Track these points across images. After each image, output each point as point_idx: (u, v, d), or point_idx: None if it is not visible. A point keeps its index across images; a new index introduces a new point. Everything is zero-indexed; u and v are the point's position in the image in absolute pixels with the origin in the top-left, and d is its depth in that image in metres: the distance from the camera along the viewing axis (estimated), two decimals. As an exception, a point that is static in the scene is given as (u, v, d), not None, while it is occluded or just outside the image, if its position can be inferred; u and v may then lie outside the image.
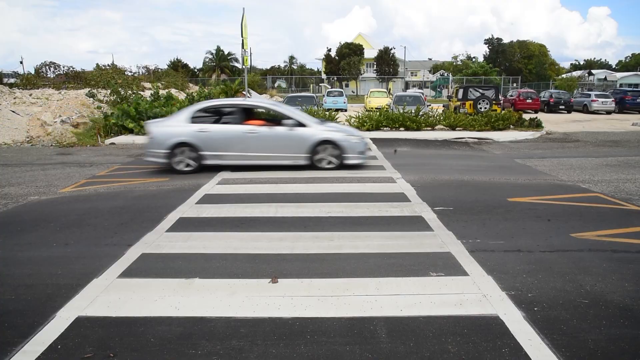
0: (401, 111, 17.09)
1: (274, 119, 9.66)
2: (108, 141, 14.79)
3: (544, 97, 30.93)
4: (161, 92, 20.62)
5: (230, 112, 9.55)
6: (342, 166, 9.34)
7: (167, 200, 7.03)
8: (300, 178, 8.66)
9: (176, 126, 9.18)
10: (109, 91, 20.30)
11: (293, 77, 67.66)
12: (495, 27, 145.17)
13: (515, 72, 66.02)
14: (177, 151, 9.04)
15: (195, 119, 9.23)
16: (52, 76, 38.43)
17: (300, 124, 9.30)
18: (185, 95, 25.73)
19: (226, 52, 68.69)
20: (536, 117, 18.69)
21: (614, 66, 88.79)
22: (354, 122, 17.07)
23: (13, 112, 16.32)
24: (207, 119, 9.44)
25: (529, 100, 29.01)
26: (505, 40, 75.18)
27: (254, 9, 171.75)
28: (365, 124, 16.94)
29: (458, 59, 72.85)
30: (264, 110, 10.38)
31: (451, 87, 48.64)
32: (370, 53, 64.73)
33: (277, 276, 4.25)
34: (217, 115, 9.67)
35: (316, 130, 9.33)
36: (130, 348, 3.13)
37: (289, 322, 3.47)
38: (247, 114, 9.62)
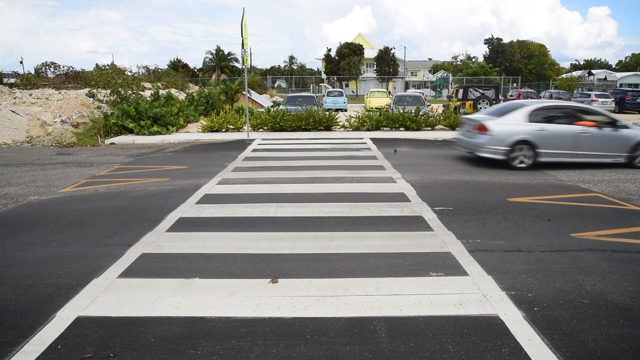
0: (401, 111, 17.10)
1: (598, 120, 10.12)
2: (108, 141, 14.80)
3: (544, 97, 30.97)
4: (161, 92, 20.63)
5: (562, 113, 10.18)
6: None
7: (167, 200, 7.04)
8: (300, 178, 8.67)
9: (516, 125, 9.74)
10: (109, 91, 20.31)
11: (293, 77, 67.65)
12: (495, 27, 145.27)
13: (515, 72, 66.07)
14: (516, 148, 9.63)
15: (532, 118, 9.78)
16: (52, 76, 38.51)
17: (624, 126, 10.07)
18: (185, 95, 25.77)
19: (226, 52, 68.71)
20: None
21: (614, 66, 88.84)
22: (354, 122, 17.08)
23: (13, 112, 16.32)
24: (542, 118, 9.89)
25: (529, 100, 29.00)
26: (505, 40, 75.28)
27: (254, 9, 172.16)
28: (365, 124, 16.94)
29: (458, 59, 72.92)
30: (590, 113, 10.68)
31: (451, 87, 48.66)
32: (370, 53, 64.73)
33: (277, 276, 4.25)
34: (550, 115, 10.10)
35: (637, 132, 10.10)
36: (130, 348, 3.14)
37: (289, 322, 3.47)
38: (575, 116, 10.13)
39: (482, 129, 9.87)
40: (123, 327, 3.40)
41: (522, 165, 9.67)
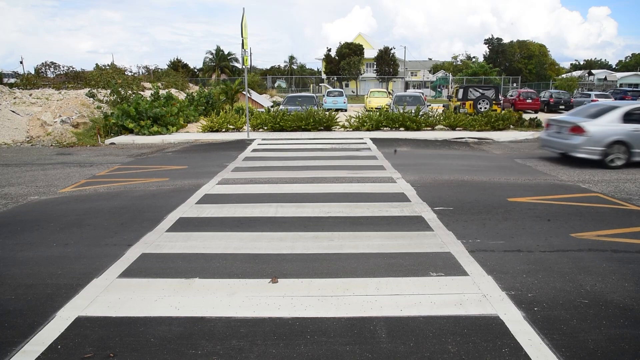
0: (401, 111, 17.10)
1: None
2: (108, 141, 14.80)
3: (544, 97, 30.94)
4: (161, 92, 20.63)
5: None
6: None
7: (167, 200, 7.04)
8: (300, 178, 8.67)
9: (611, 126, 10.07)
10: (109, 91, 20.32)
11: (293, 77, 67.62)
12: (495, 27, 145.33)
13: (515, 72, 66.01)
14: (612, 149, 9.95)
15: (626, 120, 10.12)
16: (52, 76, 38.55)
17: None
18: (185, 95, 25.77)
19: (226, 52, 68.60)
20: (536, 117, 18.71)
21: (614, 66, 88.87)
22: (354, 122, 17.08)
23: (13, 112, 16.32)
24: (636, 119, 10.20)
25: (529, 100, 29.01)
26: (505, 40, 75.09)
27: (254, 9, 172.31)
28: (365, 124, 16.95)
29: (458, 59, 72.88)
30: None
31: (451, 87, 48.62)
32: (370, 53, 64.70)
33: (277, 276, 4.25)
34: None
35: None
36: (130, 348, 3.14)
37: (289, 322, 3.47)
38: None
39: (577, 130, 10.08)
40: (123, 327, 3.40)
41: (616, 164, 9.95)
